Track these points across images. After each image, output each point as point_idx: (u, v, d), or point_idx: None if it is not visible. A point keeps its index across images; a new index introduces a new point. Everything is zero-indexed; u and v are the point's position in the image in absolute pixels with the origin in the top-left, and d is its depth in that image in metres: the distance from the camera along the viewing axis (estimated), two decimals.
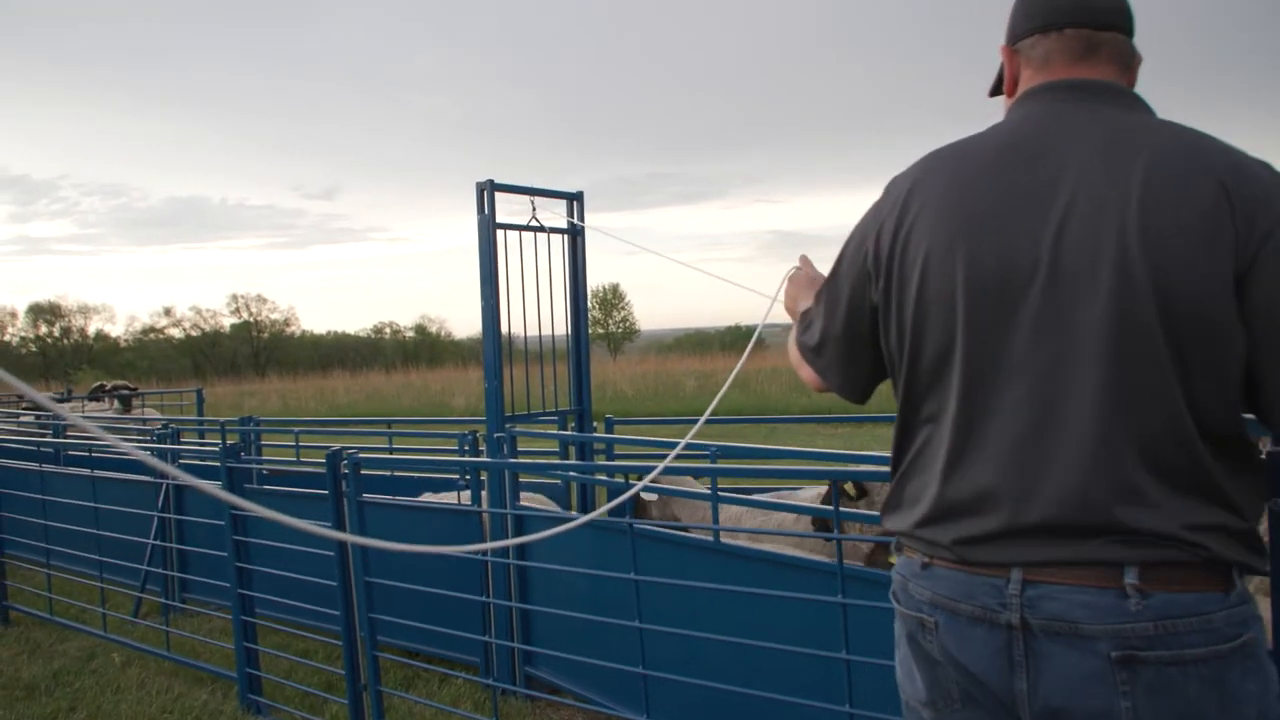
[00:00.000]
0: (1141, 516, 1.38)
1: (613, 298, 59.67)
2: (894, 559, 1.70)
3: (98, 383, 11.65)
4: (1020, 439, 1.46)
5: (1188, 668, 1.36)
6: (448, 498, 5.19)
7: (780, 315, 2.25)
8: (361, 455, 4.22)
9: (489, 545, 4.30)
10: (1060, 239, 1.43)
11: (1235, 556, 1.39)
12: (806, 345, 1.82)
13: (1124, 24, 1.61)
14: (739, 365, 2.85)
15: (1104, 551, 1.39)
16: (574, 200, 5.02)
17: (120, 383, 12.40)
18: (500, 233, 4.67)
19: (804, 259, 2.21)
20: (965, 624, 1.49)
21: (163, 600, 5.72)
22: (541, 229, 4.86)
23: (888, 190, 1.68)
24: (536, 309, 4.86)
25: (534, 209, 4.80)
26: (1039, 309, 1.44)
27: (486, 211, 4.62)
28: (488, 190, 4.61)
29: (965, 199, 1.53)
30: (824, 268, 1.96)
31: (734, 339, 45.81)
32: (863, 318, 1.69)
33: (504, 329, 4.72)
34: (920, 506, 1.57)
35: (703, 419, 2.68)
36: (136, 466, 6.33)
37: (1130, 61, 1.62)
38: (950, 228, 1.52)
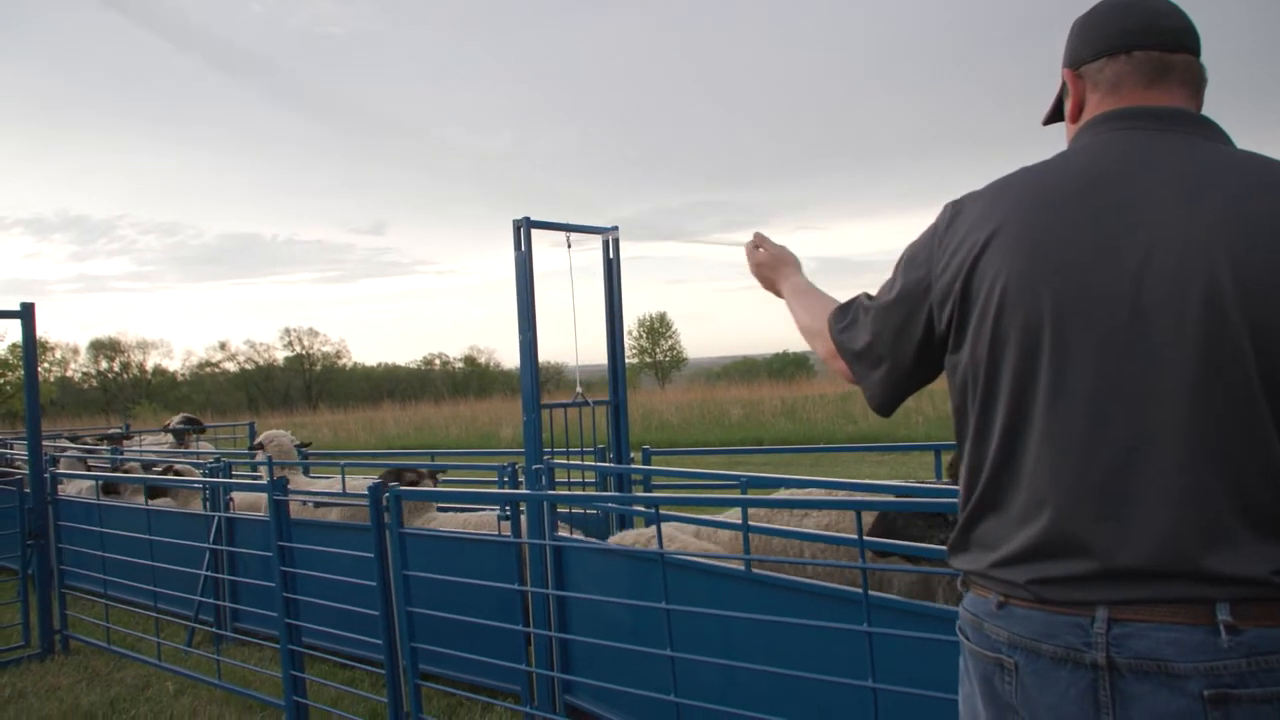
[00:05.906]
0: (1231, 562, 1.33)
1: (660, 326, 59.55)
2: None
3: (179, 415, 11.85)
4: (1106, 482, 1.40)
5: None
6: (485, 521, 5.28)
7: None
8: (402, 488, 4.33)
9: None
10: (1143, 276, 1.38)
11: None
12: (847, 346, 1.77)
13: (1193, 45, 1.56)
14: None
15: (1194, 589, 1.35)
16: (609, 234, 5.12)
17: (188, 415, 12.60)
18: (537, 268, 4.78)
19: (758, 235, 2.20)
20: (1047, 665, 1.42)
21: (214, 630, 5.87)
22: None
23: (952, 216, 1.60)
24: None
25: (569, 244, 4.90)
26: (1124, 347, 1.39)
27: (523, 248, 4.72)
28: (524, 227, 4.70)
29: (1041, 232, 1.46)
30: (867, 291, 1.92)
31: (781, 365, 45.61)
32: (914, 344, 1.65)
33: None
34: (997, 548, 1.50)
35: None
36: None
37: (1200, 85, 1.57)
38: (1026, 262, 1.46)
